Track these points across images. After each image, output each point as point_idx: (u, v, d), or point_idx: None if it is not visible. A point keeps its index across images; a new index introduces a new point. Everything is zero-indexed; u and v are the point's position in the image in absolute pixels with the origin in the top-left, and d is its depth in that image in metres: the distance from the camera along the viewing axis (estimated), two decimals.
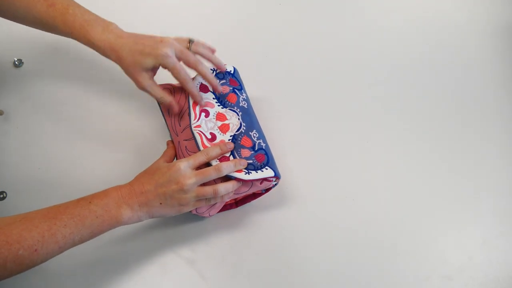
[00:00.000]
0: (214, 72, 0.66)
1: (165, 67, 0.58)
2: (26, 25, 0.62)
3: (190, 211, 0.58)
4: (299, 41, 0.83)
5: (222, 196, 0.57)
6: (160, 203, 0.53)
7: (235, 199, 0.64)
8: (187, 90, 0.61)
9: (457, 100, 0.80)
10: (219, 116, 0.62)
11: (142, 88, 0.60)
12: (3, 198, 0.64)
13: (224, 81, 0.65)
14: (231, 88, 0.65)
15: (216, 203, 0.59)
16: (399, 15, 0.88)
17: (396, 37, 0.85)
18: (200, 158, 0.56)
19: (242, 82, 0.68)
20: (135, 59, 0.58)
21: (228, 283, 0.61)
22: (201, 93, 0.62)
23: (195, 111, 0.61)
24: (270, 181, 0.60)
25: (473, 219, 0.69)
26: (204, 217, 0.65)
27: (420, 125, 0.76)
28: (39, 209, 0.49)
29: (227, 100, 0.63)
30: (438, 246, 0.66)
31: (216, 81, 0.62)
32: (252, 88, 0.70)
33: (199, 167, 0.57)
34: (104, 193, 0.53)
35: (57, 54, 0.63)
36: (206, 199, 0.56)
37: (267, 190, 0.63)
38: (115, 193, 0.53)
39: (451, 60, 0.84)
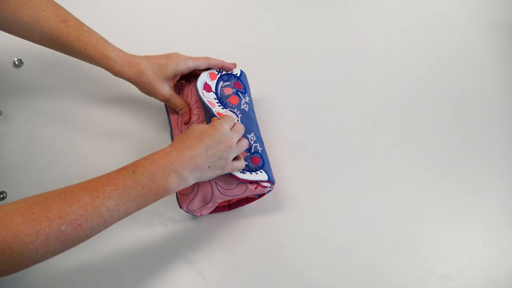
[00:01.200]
0: (220, 73, 0.66)
1: (187, 68, 0.63)
2: (29, 41, 0.62)
3: (181, 208, 0.59)
4: (299, 41, 0.83)
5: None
6: (209, 166, 0.52)
7: (228, 201, 0.64)
8: (214, 65, 0.65)
9: (457, 101, 0.80)
10: (218, 116, 0.62)
11: (165, 99, 0.64)
12: (3, 198, 0.64)
13: (228, 83, 0.66)
14: (235, 90, 0.65)
15: (209, 202, 0.59)
16: (400, 15, 0.88)
17: (397, 37, 0.85)
18: (231, 119, 0.58)
19: (247, 86, 0.68)
20: (154, 71, 0.61)
21: (228, 283, 0.61)
22: (204, 91, 0.63)
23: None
24: (264, 187, 0.60)
25: (473, 219, 0.69)
26: (201, 217, 0.64)
27: (420, 124, 0.76)
28: (77, 183, 0.46)
29: (228, 102, 0.64)
30: (438, 246, 0.66)
31: (226, 62, 0.66)
32: (251, 88, 0.70)
33: None
34: (150, 160, 0.49)
35: (57, 54, 0.63)
36: (241, 162, 0.58)
37: (260, 195, 0.63)
38: (162, 161, 0.49)
39: (452, 61, 0.84)
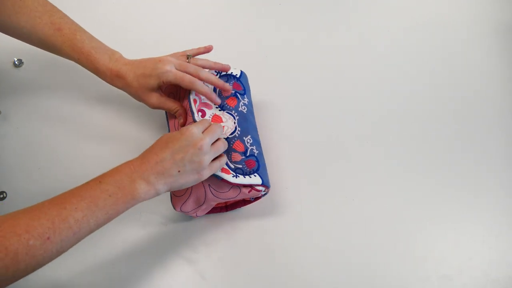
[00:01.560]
0: (219, 74, 0.66)
1: (168, 82, 0.60)
2: (29, 44, 0.63)
3: (175, 209, 0.59)
4: (299, 41, 0.83)
5: (224, 157, 0.58)
6: (179, 171, 0.51)
7: (225, 203, 0.64)
8: (198, 92, 0.62)
9: (457, 101, 0.80)
10: (215, 118, 0.62)
11: (154, 107, 0.63)
12: (3, 198, 0.64)
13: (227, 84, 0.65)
14: (233, 91, 0.65)
15: (202, 204, 0.59)
16: (400, 15, 0.88)
17: (397, 37, 0.85)
18: (205, 122, 0.57)
19: (247, 87, 0.68)
20: (140, 83, 0.60)
21: (228, 283, 0.61)
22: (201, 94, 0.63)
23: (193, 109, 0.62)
24: (258, 191, 0.59)
25: (473, 219, 0.69)
26: (197, 217, 0.64)
27: (420, 125, 0.76)
28: (46, 200, 0.47)
29: (226, 103, 0.63)
30: (438, 246, 0.66)
31: (221, 82, 0.63)
32: (250, 89, 0.70)
33: None
34: (115, 170, 0.50)
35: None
36: (220, 162, 0.56)
37: (256, 198, 0.63)
38: (127, 168, 0.50)
39: (452, 62, 0.84)
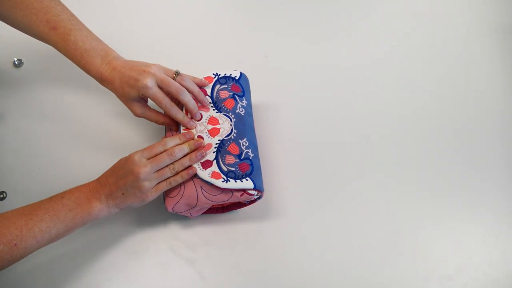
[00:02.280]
0: (217, 76, 0.66)
1: (146, 97, 0.59)
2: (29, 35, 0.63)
3: (167, 210, 0.59)
4: (299, 42, 0.82)
5: (181, 175, 0.57)
6: (123, 194, 0.55)
7: (221, 204, 0.64)
8: (172, 117, 0.61)
9: (457, 102, 0.79)
10: (212, 120, 0.62)
11: (138, 116, 0.63)
12: (3, 198, 0.64)
13: (225, 86, 0.65)
14: (231, 93, 0.64)
15: (195, 206, 0.59)
16: (400, 16, 0.88)
17: (397, 37, 0.85)
18: (156, 148, 0.57)
19: (246, 89, 0.67)
20: (124, 91, 0.60)
21: (228, 283, 0.61)
22: None
23: (187, 113, 0.62)
24: (251, 194, 0.59)
25: (473, 219, 0.69)
26: (194, 217, 0.64)
27: (420, 125, 0.76)
28: (13, 209, 0.51)
29: (223, 105, 0.63)
30: (438, 246, 0.66)
31: (195, 110, 0.62)
32: (250, 89, 0.70)
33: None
34: (75, 189, 0.55)
35: (57, 54, 0.64)
36: (168, 182, 0.57)
37: (251, 201, 0.62)
38: (85, 188, 0.55)
39: (452, 62, 0.84)
